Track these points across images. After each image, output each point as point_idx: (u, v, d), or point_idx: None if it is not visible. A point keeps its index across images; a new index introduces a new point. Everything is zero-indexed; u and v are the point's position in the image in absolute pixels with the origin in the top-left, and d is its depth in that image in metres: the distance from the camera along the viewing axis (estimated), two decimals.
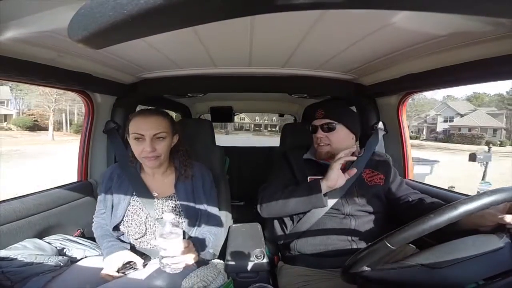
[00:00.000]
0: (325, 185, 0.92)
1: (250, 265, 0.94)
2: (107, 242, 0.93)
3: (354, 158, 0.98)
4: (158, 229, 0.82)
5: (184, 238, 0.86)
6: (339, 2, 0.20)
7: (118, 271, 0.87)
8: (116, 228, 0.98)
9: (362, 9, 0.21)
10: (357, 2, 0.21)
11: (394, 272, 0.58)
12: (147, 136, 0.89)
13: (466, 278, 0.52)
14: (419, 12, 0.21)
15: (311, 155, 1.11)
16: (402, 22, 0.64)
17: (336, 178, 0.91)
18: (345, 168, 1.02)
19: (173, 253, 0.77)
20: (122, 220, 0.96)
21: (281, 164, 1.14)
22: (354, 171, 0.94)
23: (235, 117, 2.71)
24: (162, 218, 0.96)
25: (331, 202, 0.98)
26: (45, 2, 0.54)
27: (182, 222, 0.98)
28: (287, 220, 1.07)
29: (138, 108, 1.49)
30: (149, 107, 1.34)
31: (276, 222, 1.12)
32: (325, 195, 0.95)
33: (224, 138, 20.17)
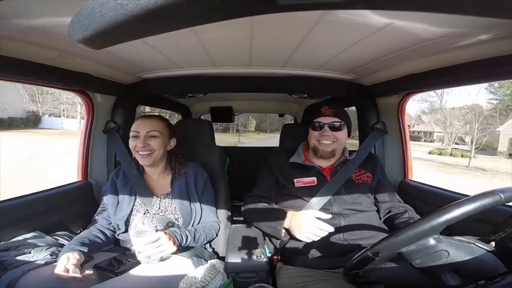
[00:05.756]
0: (289, 228, 0.92)
1: (250, 265, 0.94)
2: (71, 242, 0.91)
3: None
4: (130, 227, 0.87)
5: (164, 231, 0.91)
6: (339, 2, 0.20)
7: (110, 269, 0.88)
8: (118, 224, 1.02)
9: (362, 9, 0.21)
10: (357, 2, 0.21)
11: (393, 270, 0.58)
12: (141, 134, 1.00)
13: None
14: (419, 12, 0.21)
15: (298, 159, 1.10)
16: (402, 23, 0.64)
17: (305, 234, 0.85)
18: (334, 170, 1.07)
19: (140, 249, 0.85)
20: (128, 217, 1.00)
21: (264, 170, 1.15)
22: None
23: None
24: (159, 214, 1.02)
25: (320, 202, 1.00)
26: (45, 2, 0.54)
27: (178, 218, 1.02)
28: None
29: (137, 109, 1.49)
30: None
31: None
32: (314, 196, 1.00)
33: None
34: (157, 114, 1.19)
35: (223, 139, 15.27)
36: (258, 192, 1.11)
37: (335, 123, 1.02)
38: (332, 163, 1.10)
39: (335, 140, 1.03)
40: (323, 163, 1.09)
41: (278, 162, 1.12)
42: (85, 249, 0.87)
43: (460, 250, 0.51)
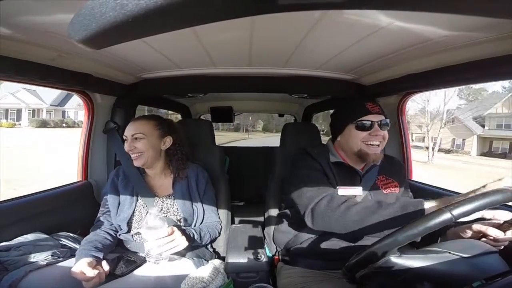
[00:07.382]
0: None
1: (250, 265, 0.94)
2: (81, 245, 0.90)
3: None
4: (144, 221, 0.85)
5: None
6: (339, 2, 0.20)
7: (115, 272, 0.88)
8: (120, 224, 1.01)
9: (363, 9, 0.21)
10: (357, 2, 0.21)
11: (395, 271, 0.58)
12: (128, 137, 1.01)
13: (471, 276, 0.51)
14: (419, 12, 0.21)
15: (338, 158, 0.97)
16: (402, 22, 0.64)
17: None
18: (365, 173, 0.96)
19: (154, 244, 0.82)
20: (130, 218, 1.00)
21: (314, 168, 0.95)
22: None
23: None
24: (161, 215, 1.00)
25: None
26: (45, 2, 0.54)
27: (180, 219, 1.02)
28: (291, 222, 1.04)
29: (137, 109, 1.49)
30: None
31: (280, 225, 1.10)
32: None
33: None
34: (147, 114, 1.16)
35: (235, 136, 19.23)
36: (325, 192, 0.86)
37: (382, 122, 0.91)
38: (364, 165, 0.98)
39: (381, 141, 0.92)
40: (358, 166, 0.97)
41: (323, 161, 0.96)
42: (100, 255, 0.86)
43: (427, 261, 0.52)
